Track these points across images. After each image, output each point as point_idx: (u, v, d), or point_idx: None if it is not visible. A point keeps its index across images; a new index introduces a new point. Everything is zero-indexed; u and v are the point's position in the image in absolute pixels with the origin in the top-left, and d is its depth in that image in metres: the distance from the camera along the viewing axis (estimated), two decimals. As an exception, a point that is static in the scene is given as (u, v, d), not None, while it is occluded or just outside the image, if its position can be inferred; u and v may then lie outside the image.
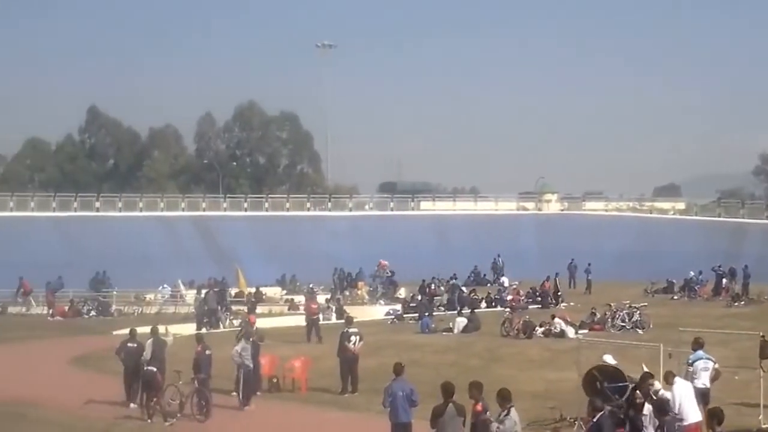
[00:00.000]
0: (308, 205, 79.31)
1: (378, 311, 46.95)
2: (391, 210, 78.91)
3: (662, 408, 15.95)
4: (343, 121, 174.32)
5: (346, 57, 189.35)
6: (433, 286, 51.70)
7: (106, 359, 30.28)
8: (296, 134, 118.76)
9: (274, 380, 25.65)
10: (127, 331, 25.93)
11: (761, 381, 19.75)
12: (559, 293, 48.50)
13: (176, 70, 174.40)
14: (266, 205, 77.43)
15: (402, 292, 52.38)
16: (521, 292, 47.89)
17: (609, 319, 36.47)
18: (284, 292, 55.36)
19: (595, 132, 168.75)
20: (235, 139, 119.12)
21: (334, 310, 44.12)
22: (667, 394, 16.35)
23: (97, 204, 73.08)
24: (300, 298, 50.53)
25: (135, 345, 23.35)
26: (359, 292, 53.81)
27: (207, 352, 22.64)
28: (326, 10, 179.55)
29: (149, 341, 22.68)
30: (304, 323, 41.65)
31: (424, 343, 33.54)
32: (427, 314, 40.21)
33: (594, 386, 16.80)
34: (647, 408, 15.94)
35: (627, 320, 36.25)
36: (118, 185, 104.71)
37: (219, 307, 43.11)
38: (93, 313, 49.01)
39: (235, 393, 24.20)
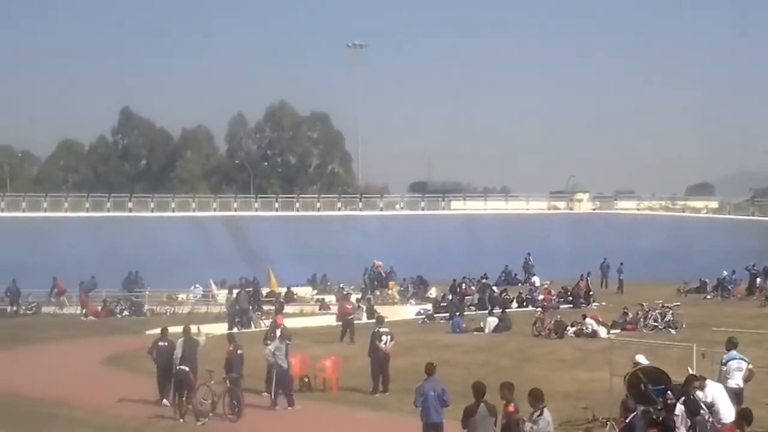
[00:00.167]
0: (339, 205, 79.46)
1: (409, 311, 46.90)
2: (422, 210, 78.88)
3: (694, 408, 15.83)
4: (374, 121, 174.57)
5: (377, 57, 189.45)
6: (464, 286, 51.61)
7: (138, 359, 30.47)
8: (327, 134, 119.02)
9: (305, 380, 25.67)
10: (158, 330, 26.06)
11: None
12: (591, 293, 48.22)
13: (208, 70, 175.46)
14: (297, 205, 77.66)
15: (433, 292, 52.30)
16: (552, 292, 47.66)
17: (641, 319, 36.21)
18: (315, 291, 55.50)
19: (627, 131, 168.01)
20: (267, 140, 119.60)
21: (364, 309, 44.12)
22: (699, 395, 16.23)
23: (130, 204, 73.68)
24: (330, 298, 50.68)
25: (166, 344, 23.46)
26: (390, 291, 53.78)
27: (239, 351, 22.69)
28: (357, 10, 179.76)
29: (180, 340, 22.76)
30: (335, 323, 41.83)
31: (455, 343, 33.45)
32: (458, 314, 40.12)
33: (638, 388, 16.62)
34: (679, 408, 15.82)
35: (659, 320, 35.98)
36: (150, 186, 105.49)
37: (250, 307, 43.26)
38: (126, 313, 49.29)
39: (266, 393, 24.34)
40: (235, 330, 37.00)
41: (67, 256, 57.08)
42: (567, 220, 76.34)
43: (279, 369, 23.09)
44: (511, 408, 14.35)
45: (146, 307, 50.29)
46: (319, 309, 48.74)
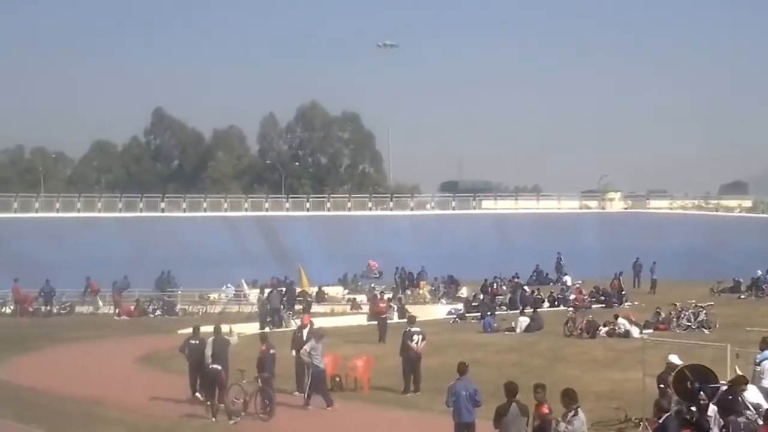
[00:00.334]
0: (370, 204, 79.50)
1: (440, 310, 46.87)
2: (453, 209, 78.73)
3: (729, 408, 15.70)
4: (404, 121, 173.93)
5: (408, 56, 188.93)
6: (495, 286, 51.52)
7: (171, 358, 30.67)
8: (358, 134, 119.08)
9: (337, 379, 25.70)
10: (190, 330, 26.20)
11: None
12: (623, 292, 47.97)
13: (239, 71, 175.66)
14: (328, 205, 77.76)
15: (464, 292, 52.25)
16: (584, 292, 47.44)
17: (674, 319, 36.00)
18: (346, 291, 55.58)
19: (659, 129, 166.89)
20: (298, 140, 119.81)
21: (395, 309, 44.14)
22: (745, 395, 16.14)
23: (163, 205, 74.07)
24: (362, 298, 50.74)
25: (197, 342, 23.60)
26: (421, 291, 53.77)
27: (271, 351, 22.77)
28: (387, 9, 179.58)
29: (210, 339, 22.89)
30: (366, 322, 41.86)
31: (486, 343, 33.40)
32: (489, 313, 40.08)
33: (684, 386, 16.49)
34: (712, 409, 15.71)
35: (693, 320, 35.77)
36: (182, 186, 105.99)
37: (282, 307, 43.40)
38: (158, 312, 49.57)
39: (297, 392, 24.43)
40: (266, 330, 37.09)
41: (100, 256, 57.47)
42: (599, 219, 75.91)
43: (315, 369, 23.12)
44: (545, 409, 14.29)
45: (178, 306, 50.56)
46: (351, 309, 48.79)
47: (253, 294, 49.88)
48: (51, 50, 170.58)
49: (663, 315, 36.53)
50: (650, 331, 34.03)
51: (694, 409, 15.91)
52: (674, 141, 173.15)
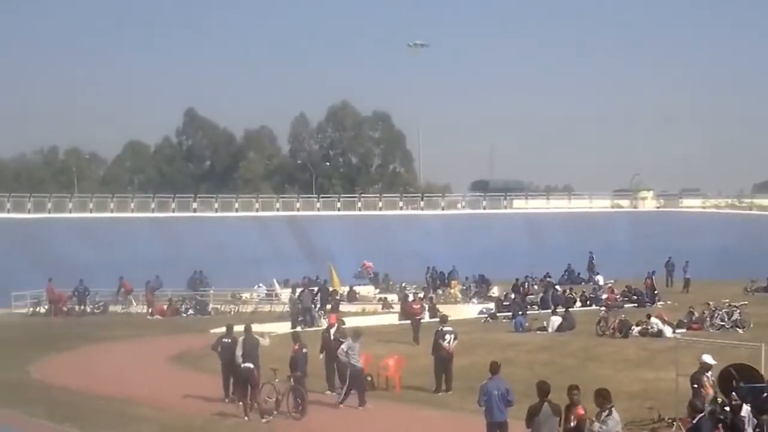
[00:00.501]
0: (401, 204, 79.54)
1: (471, 310, 46.73)
2: (484, 208, 78.64)
3: (763, 408, 15.58)
4: (435, 120, 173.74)
5: (438, 56, 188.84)
6: (526, 285, 51.37)
7: (203, 357, 30.83)
8: (389, 134, 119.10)
9: (368, 378, 25.70)
10: (222, 329, 26.33)
11: None
12: (656, 292, 47.65)
13: (270, 71, 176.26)
14: (359, 204, 77.91)
15: (495, 291, 52.15)
16: (616, 291, 47.18)
17: (707, 318, 35.72)
18: (377, 290, 55.62)
19: (692, 128, 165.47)
20: (328, 140, 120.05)
21: (427, 308, 44.08)
22: None
23: (195, 205, 74.48)
24: (393, 297, 50.74)
25: (230, 341, 23.69)
26: (452, 290, 53.70)
27: (304, 350, 22.87)
28: (418, 9, 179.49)
29: (240, 339, 22.98)
30: (397, 321, 41.86)
31: (518, 342, 33.31)
32: (520, 313, 39.97)
33: (729, 385, 16.38)
34: (745, 409, 15.59)
35: (726, 319, 35.48)
36: (214, 186, 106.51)
37: (313, 306, 43.51)
38: (191, 311, 49.78)
39: (329, 391, 24.51)
40: (298, 329, 37.17)
41: (133, 256, 57.91)
42: (631, 218, 75.55)
43: (353, 368, 23.18)
44: (581, 411, 14.21)
45: (211, 306, 50.74)
46: (382, 308, 48.82)
47: (285, 293, 50.04)
48: (85, 52, 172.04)
49: (696, 314, 36.24)
50: (683, 330, 33.81)
51: (727, 409, 15.82)
52: (707, 139, 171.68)
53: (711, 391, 17.90)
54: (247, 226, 68.67)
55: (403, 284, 53.82)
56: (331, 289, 50.77)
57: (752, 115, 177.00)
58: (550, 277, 54.29)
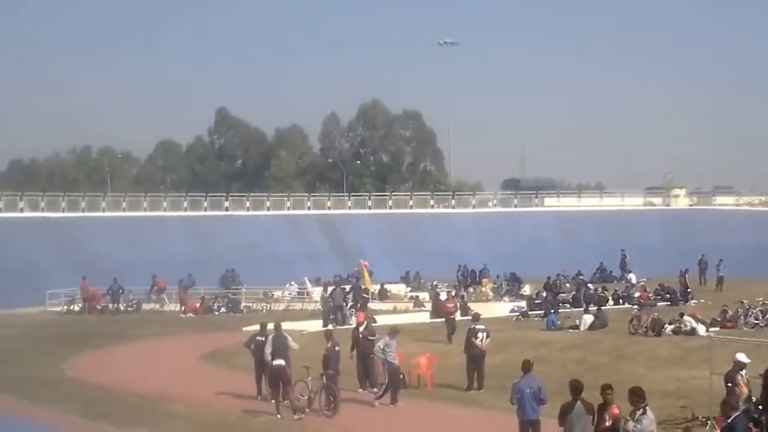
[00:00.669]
0: (431, 202, 79.47)
1: (502, 308, 46.64)
2: (515, 207, 78.41)
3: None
4: (466, 119, 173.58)
5: (469, 54, 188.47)
6: (558, 283, 51.21)
7: (236, 355, 30.99)
8: (419, 132, 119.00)
9: (400, 376, 25.73)
10: (254, 327, 26.42)
11: None
12: (689, 290, 47.32)
13: (301, 70, 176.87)
14: (390, 203, 77.91)
15: (527, 289, 52.01)
16: (648, 289, 46.90)
17: (741, 317, 35.47)
18: (408, 289, 55.62)
19: (725, 125, 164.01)
20: (359, 138, 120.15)
21: (458, 307, 44.04)
22: None
23: (226, 203, 74.79)
24: (424, 295, 50.73)
25: (263, 339, 23.79)
26: (483, 289, 53.61)
27: (336, 348, 22.97)
28: (448, 7, 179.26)
29: (270, 337, 23.10)
30: (429, 320, 41.86)
31: (550, 340, 33.20)
32: (552, 311, 39.84)
33: None
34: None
35: (760, 317, 35.24)
36: (246, 185, 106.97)
37: (344, 304, 43.59)
38: (223, 310, 50.00)
39: (361, 389, 24.59)
40: (330, 327, 37.25)
41: (166, 254, 58.21)
42: (663, 216, 75.06)
43: (390, 366, 23.24)
44: (615, 410, 14.14)
45: (243, 304, 50.92)
46: (414, 306, 48.83)
47: (317, 292, 50.21)
48: (118, 53, 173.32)
49: (730, 313, 35.99)
50: (717, 329, 33.57)
51: (762, 408, 15.70)
52: (740, 137, 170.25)
53: (745, 390, 17.78)
54: (278, 225, 68.88)
55: (435, 282, 53.80)
56: (362, 287, 50.85)
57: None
58: (582, 275, 54.06)
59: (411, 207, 77.10)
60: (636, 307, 39.18)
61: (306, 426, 21.06)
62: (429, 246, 65.60)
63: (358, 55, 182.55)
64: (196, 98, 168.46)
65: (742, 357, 18.57)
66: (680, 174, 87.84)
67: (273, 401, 22.37)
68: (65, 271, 52.20)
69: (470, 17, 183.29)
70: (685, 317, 34.55)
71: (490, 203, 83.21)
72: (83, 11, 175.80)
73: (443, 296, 43.93)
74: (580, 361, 28.25)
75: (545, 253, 62.56)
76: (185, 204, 72.88)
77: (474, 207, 79.22)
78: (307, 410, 22.04)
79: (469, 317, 29.41)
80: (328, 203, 77.15)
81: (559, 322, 37.53)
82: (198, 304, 49.74)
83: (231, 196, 79.07)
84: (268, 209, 73.87)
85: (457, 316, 39.76)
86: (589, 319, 36.75)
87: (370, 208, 76.35)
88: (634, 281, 51.35)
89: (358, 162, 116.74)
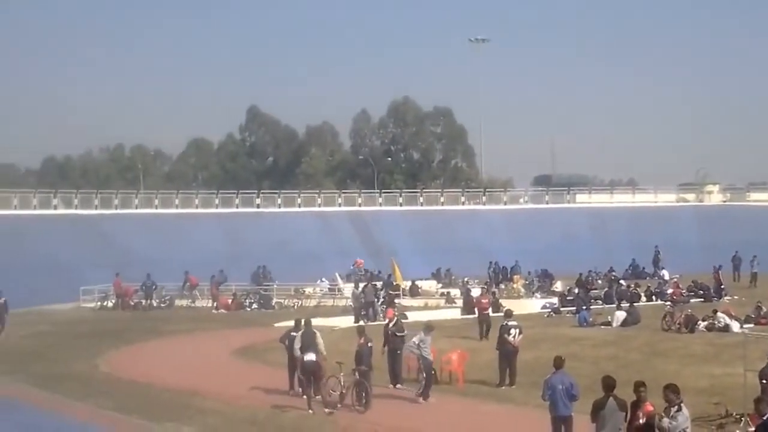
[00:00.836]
0: (462, 199, 79.31)
1: (534, 305, 46.48)
2: (547, 203, 78.15)
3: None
4: (497, 115, 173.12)
5: (500, 50, 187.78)
6: (590, 279, 50.97)
7: (268, 351, 31.15)
8: (450, 129, 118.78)
9: (432, 372, 25.71)
10: (286, 323, 26.49)
11: None
12: (722, 287, 46.95)
13: (331, 68, 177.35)
14: (421, 199, 77.82)
15: (558, 286, 51.81)
16: (681, 286, 46.57)
17: (776, 313, 35.17)
18: (439, 285, 55.58)
19: (759, 120, 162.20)
20: (390, 135, 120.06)
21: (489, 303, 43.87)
22: None
23: (258, 200, 75.13)
24: (455, 292, 50.66)
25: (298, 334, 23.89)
26: (515, 285, 53.44)
27: (369, 344, 23.00)
28: (479, 4, 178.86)
29: (299, 333, 23.17)
30: (460, 316, 41.81)
31: (582, 337, 33.06)
32: (584, 308, 39.66)
33: None
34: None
35: (796, 314, 34.89)
36: (277, 182, 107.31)
37: (376, 300, 43.62)
38: (255, 306, 50.19)
39: (392, 385, 24.62)
40: (361, 323, 37.26)
41: (198, 250, 58.51)
42: (697, 212, 74.51)
43: (425, 361, 23.27)
44: (649, 407, 14.04)
45: (274, 300, 51.04)
46: (445, 302, 48.78)
47: (347, 288, 50.28)
48: (150, 51, 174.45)
49: (764, 309, 35.69)
50: (751, 325, 33.32)
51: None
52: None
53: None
54: (309, 222, 69.03)
55: (466, 279, 53.71)
56: (394, 283, 50.88)
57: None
58: (614, 271, 53.80)
59: (442, 204, 77.00)
60: (669, 303, 38.92)
61: (338, 421, 21.09)
62: (460, 242, 65.52)
63: (388, 52, 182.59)
64: (228, 96, 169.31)
65: (776, 353, 18.43)
66: (713, 170, 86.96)
67: (305, 396, 22.44)
68: (98, 268, 52.57)
69: (501, 14, 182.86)
70: (719, 314, 34.29)
71: (521, 200, 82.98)
72: (115, 9, 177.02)
73: (475, 292, 43.82)
74: (613, 358, 28.11)
75: (577, 249, 62.26)
76: (217, 201, 73.22)
77: (505, 203, 79.04)
78: (339, 406, 22.10)
79: (501, 314, 29.31)
80: (359, 200, 77.24)
81: (591, 319, 37.35)
82: (230, 300, 49.95)
83: (262, 193, 79.46)
84: (299, 206, 74.07)
85: (489, 311, 39.68)
86: (621, 315, 36.57)
87: (401, 204, 76.35)
88: (667, 278, 51.03)
89: (389, 159, 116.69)
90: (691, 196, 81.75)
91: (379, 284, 48.34)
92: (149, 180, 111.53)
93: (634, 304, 39.60)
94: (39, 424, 22.02)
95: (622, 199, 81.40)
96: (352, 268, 56.28)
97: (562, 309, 43.07)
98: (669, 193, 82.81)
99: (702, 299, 44.30)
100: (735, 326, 32.88)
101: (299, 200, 75.33)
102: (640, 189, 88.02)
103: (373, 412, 21.60)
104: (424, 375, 23.30)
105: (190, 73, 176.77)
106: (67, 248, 56.87)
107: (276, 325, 39.31)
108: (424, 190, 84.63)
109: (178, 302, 51.81)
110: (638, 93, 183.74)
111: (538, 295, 50.68)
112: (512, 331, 25.04)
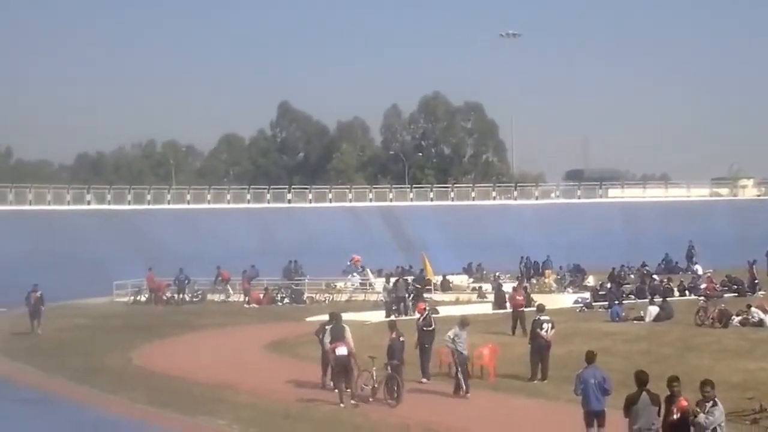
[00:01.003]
0: (494, 194, 79.09)
1: (566, 299, 46.29)
2: (578, 198, 77.76)
3: None
4: (528, 110, 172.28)
5: (531, 45, 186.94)
6: (622, 274, 50.68)
7: (299, 345, 31.28)
8: (481, 123, 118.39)
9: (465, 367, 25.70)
10: (317, 318, 26.56)
11: None
12: (756, 281, 46.51)
13: (362, 63, 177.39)
14: (452, 194, 77.65)
15: (590, 280, 51.59)
16: (714, 280, 46.19)
17: (811, 308, 34.74)
18: (471, 280, 55.52)
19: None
20: (421, 130, 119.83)
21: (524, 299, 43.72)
22: None
23: (289, 196, 75.38)
24: (487, 286, 50.59)
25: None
26: (546, 280, 53.27)
27: (401, 338, 23.05)
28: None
29: (329, 328, 23.24)
30: (491, 311, 41.72)
31: (614, 332, 32.84)
32: (617, 302, 39.40)
33: None
34: None
35: (830, 309, 34.46)
36: (308, 177, 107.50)
37: (407, 295, 43.63)
38: (286, 300, 50.33)
39: (424, 380, 24.64)
40: (392, 317, 37.32)
41: (229, 245, 58.82)
42: (730, 206, 73.90)
43: (460, 356, 23.27)
44: (683, 402, 13.94)
45: (306, 295, 51.25)
46: (477, 297, 48.72)
47: (379, 283, 50.32)
48: (182, 48, 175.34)
49: (799, 304, 35.29)
50: (786, 320, 32.95)
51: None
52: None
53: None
54: (340, 217, 69.16)
55: (497, 274, 53.62)
56: (425, 278, 50.87)
57: None
58: (647, 266, 53.47)
59: (473, 199, 76.79)
60: (703, 298, 38.60)
61: (369, 415, 21.13)
62: (491, 237, 65.41)
63: (419, 48, 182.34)
64: (259, 92, 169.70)
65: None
66: (747, 164, 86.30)
67: (336, 390, 22.50)
68: (131, 263, 53.05)
69: (532, 8, 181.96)
70: (753, 308, 33.92)
71: (552, 194, 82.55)
72: (147, 5, 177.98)
73: (506, 287, 43.73)
74: (645, 353, 27.93)
75: (609, 244, 61.97)
76: (248, 196, 73.55)
77: (536, 198, 78.77)
78: (371, 399, 22.17)
79: (533, 309, 29.21)
80: (390, 195, 77.21)
81: (623, 314, 37.08)
82: (261, 295, 50.12)
83: (293, 188, 79.70)
84: (330, 201, 74.19)
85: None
86: (654, 310, 36.28)
87: (432, 199, 76.26)
88: (700, 272, 50.66)
89: (420, 154, 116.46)
90: (724, 191, 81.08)
91: (410, 279, 48.33)
92: (181, 176, 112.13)
93: (667, 299, 39.26)
94: (76, 418, 22.22)
95: (654, 194, 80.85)
96: (348, 264, 56.41)
97: (594, 304, 42.81)
98: (702, 187, 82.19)
99: (736, 294, 43.89)
100: (769, 321, 32.57)
101: (330, 195, 75.46)
102: (672, 183, 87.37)
103: (405, 407, 21.64)
104: (459, 369, 23.23)
105: (222, 69, 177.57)
106: (100, 243, 57.43)
107: (307, 319, 39.42)
108: (455, 185, 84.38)
109: (210, 297, 52.11)
110: (671, 87, 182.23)
111: (569, 289, 50.49)
112: (545, 325, 25.03)
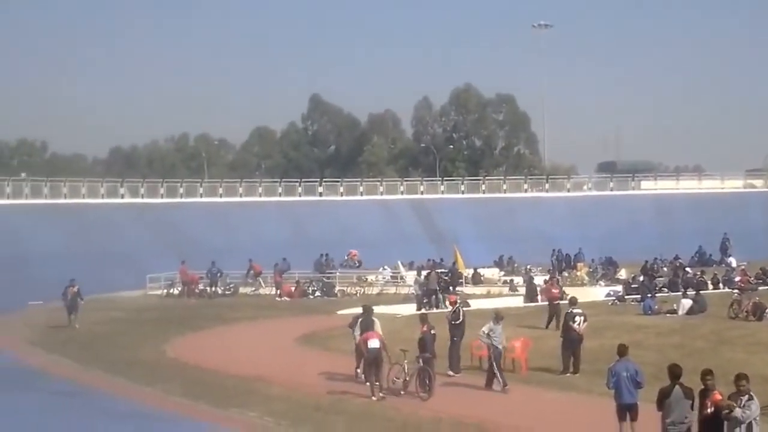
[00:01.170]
0: (525, 186, 78.79)
1: (598, 292, 46.12)
2: (611, 190, 77.29)
3: None
4: (560, 102, 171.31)
5: (563, 36, 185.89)
6: (655, 267, 50.39)
7: (331, 338, 31.38)
8: (513, 116, 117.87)
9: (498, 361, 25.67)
10: (349, 311, 26.61)
11: None
12: (792, 274, 46.11)
13: (393, 56, 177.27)
14: (483, 187, 77.40)
15: (623, 273, 51.34)
16: (748, 273, 45.79)
17: None
18: (502, 273, 55.42)
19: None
20: (452, 123, 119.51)
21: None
22: None
23: (320, 189, 75.49)
24: (518, 279, 50.47)
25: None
26: (578, 273, 53.08)
27: (432, 331, 23.07)
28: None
29: (359, 320, 23.25)
30: (522, 304, 41.64)
31: (646, 325, 32.66)
32: (649, 295, 39.20)
33: None
34: None
35: None
36: (339, 170, 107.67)
37: (438, 288, 43.63)
38: (317, 293, 50.44)
39: (450, 372, 24.67)
40: (424, 310, 37.32)
41: (261, 238, 59.01)
42: (765, 198, 73.19)
43: (495, 350, 23.26)
44: (717, 396, 13.83)
45: (337, 288, 51.37)
46: (508, 290, 48.62)
47: (410, 276, 50.33)
48: (213, 41, 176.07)
49: (835, 297, 34.99)
50: (821, 313, 32.65)
51: None
52: None
53: None
54: (371, 210, 69.15)
55: (528, 267, 53.49)
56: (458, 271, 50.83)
57: None
58: (679, 259, 53.13)
59: (504, 191, 76.52)
60: (737, 291, 38.30)
61: (401, 408, 21.16)
62: (522, 230, 65.22)
63: (450, 40, 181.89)
64: (290, 85, 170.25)
65: None
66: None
67: (368, 383, 22.56)
68: (164, 256, 53.37)
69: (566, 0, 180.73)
70: (788, 302, 33.69)
71: (585, 186, 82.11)
72: (179, 5, 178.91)
73: (537, 280, 43.58)
74: (678, 346, 27.73)
75: (642, 236, 61.63)
76: (280, 189, 73.74)
77: (568, 190, 78.38)
78: (402, 393, 22.20)
79: (565, 302, 29.13)
80: (421, 188, 77.08)
81: (656, 307, 36.90)
82: (293, 288, 50.30)
83: (324, 181, 79.86)
84: (362, 194, 74.17)
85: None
86: (687, 303, 36.08)
87: (463, 192, 76.04)
88: (734, 265, 50.27)
89: (451, 146, 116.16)
90: (759, 182, 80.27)
91: (441, 271, 48.30)
92: (213, 169, 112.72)
93: (701, 291, 39.03)
94: (112, 410, 22.41)
95: (688, 186, 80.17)
96: (346, 258, 56.48)
97: (626, 297, 42.62)
98: (736, 179, 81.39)
99: (770, 287, 43.55)
100: (804, 314, 32.28)
101: (361, 188, 75.45)
102: (706, 175, 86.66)
103: (436, 400, 21.66)
104: (494, 363, 23.19)
105: (253, 62, 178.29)
106: (134, 236, 57.81)
107: (339, 312, 39.55)
108: (487, 178, 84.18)
109: (242, 290, 52.33)
110: (704, 78, 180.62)
111: (602, 282, 50.28)
112: (577, 318, 24.96)
